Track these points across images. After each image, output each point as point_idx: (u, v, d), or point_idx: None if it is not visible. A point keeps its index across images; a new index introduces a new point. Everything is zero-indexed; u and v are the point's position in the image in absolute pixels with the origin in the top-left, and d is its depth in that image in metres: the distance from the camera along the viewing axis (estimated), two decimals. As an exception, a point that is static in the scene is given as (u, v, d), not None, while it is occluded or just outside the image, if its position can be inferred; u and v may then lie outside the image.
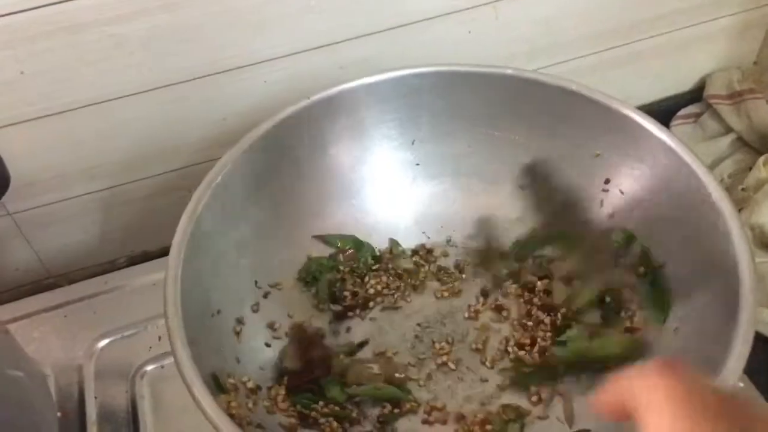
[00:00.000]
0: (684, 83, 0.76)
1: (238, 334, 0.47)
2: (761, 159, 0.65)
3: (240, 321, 0.48)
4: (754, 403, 0.25)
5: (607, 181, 0.52)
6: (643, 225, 0.50)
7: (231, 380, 0.43)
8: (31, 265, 0.64)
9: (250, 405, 0.43)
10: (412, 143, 0.55)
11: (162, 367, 0.54)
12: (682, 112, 0.75)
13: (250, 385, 0.45)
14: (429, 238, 0.57)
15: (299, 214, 0.53)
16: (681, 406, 0.24)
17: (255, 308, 0.50)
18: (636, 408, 0.25)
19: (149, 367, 0.54)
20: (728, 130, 0.71)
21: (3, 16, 0.47)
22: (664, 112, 0.75)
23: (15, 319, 0.56)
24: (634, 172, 0.49)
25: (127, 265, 0.65)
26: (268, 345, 0.49)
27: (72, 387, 0.53)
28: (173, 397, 0.52)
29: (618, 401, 0.26)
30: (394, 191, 0.56)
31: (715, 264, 0.42)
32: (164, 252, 0.64)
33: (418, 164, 0.56)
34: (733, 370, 0.36)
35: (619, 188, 0.50)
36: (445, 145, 0.55)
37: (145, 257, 0.65)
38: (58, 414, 0.50)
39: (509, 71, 0.51)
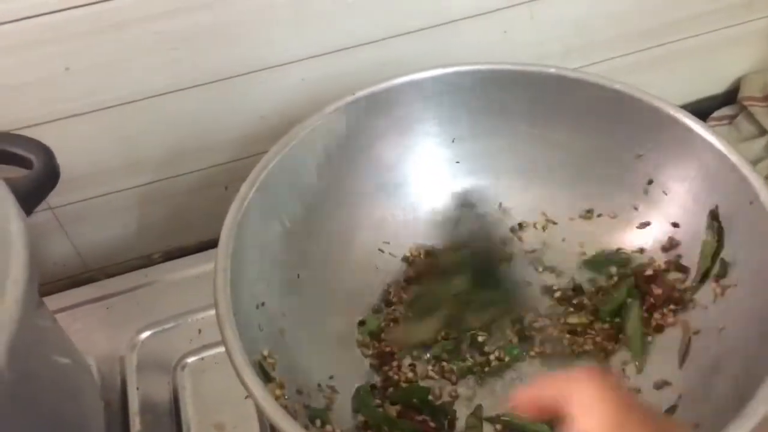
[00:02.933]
0: (718, 85, 0.76)
1: (282, 332, 0.48)
2: (797, 161, 0.65)
3: (284, 314, 0.49)
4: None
5: (650, 182, 0.52)
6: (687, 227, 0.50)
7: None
8: (69, 259, 0.64)
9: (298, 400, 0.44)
10: (453, 141, 0.56)
11: (202, 359, 0.54)
12: (717, 113, 0.74)
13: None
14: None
15: (340, 210, 0.53)
16: (609, 405, 0.26)
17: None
18: (565, 406, 0.27)
19: (190, 359, 0.54)
20: (763, 131, 0.71)
21: (48, 14, 0.48)
22: (697, 113, 0.74)
23: (58, 311, 0.57)
24: (679, 173, 0.49)
25: (163, 260, 0.66)
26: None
27: (114, 378, 0.54)
28: (214, 388, 0.52)
29: (545, 399, 0.28)
30: (434, 188, 0.56)
31: (763, 262, 0.42)
32: (200, 247, 0.66)
33: (458, 162, 0.56)
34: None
35: (662, 189, 0.51)
36: (485, 143, 0.55)
37: (182, 252, 0.66)
38: (103, 403, 0.51)
39: (552, 70, 0.51)
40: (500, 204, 0.57)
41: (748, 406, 0.35)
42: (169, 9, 0.51)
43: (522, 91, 0.53)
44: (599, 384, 0.27)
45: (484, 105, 0.54)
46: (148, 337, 0.56)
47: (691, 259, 0.49)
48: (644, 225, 0.53)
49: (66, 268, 0.65)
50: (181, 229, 0.66)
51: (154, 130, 0.58)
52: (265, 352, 0.43)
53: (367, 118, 0.53)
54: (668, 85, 0.72)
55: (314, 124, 0.50)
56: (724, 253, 0.47)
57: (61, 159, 0.55)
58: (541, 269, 0.55)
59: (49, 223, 0.60)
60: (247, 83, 0.57)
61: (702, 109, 0.74)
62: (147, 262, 0.66)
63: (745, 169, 0.44)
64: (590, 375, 0.28)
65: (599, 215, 0.54)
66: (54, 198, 0.59)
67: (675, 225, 0.51)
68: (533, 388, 0.29)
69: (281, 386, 0.42)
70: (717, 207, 0.47)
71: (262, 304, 0.46)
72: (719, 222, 0.47)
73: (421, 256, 0.55)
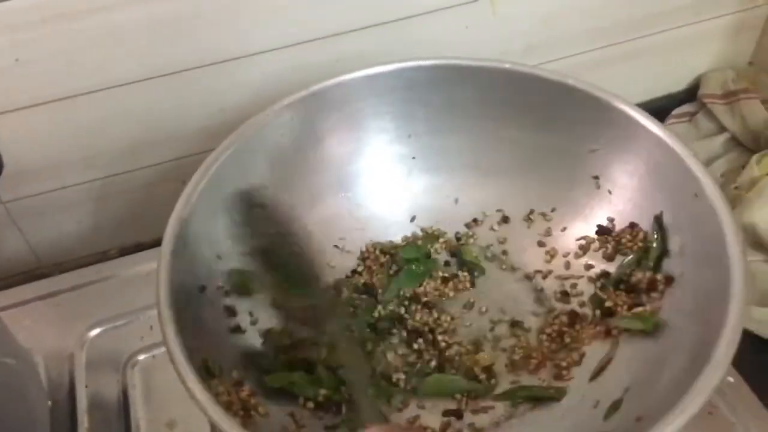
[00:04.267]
0: (678, 82, 0.77)
1: (233, 330, 0.47)
2: (754, 158, 0.65)
3: (232, 311, 0.48)
4: None
5: (600, 177, 0.52)
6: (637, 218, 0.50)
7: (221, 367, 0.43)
8: (22, 255, 0.63)
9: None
10: (408, 137, 0.55)
11: (153, 357, 0.53)
12: (677, 111, 0.75)
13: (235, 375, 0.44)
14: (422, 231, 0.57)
15: (293, 206, 0.53)
16: None
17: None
18: None
19: (141, 357, 0.54)
20: (722, 129, 0.71)
21: (-2, 2, 0.47)
22: (658, 110, 0.74)
23: (5, 308, 0.56)
24: (628, 168, 0.49)
25: (119, 257, 0.65)
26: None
27: (63, 376, 0.53)
28: (165, 386, 0.51)
29: None
30: (389, 184, 0.56)
31: (707, 256, 0.42)
32: (157, 244, 0.64)
33: (414, 158, 0.56)
34: (722, 359, 0.37)
35: (608, 189, 0.51)
36: (441, 139, 0.55)
37: (138, 248, 0.65)
38: (49, 402, 0.50)
39: (507, 65, 0.51)
40: (456, 200, 0.57)
41: (686, 397, 0.35)
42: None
43: (478, 86, 0.53)
44: None
45: (441, 101, 0.54)
46: (98, 334, 0.55)
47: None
48: (595, 221, 0.53)
49: (19, 264, 0.64)
50: (137, 224, 0.65)
51: (109, 123, 0.57)
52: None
53: (320, 114, 0.52)
54: (629, 82, 0.73)
55: (266, 119, 0.50)
56: (670, 245, 0.47)
57: (10, 151, 0.54)
58: (502, 266, 0.55)
59: (1, 218, 0.59)
60: (205, 77, 0.56)
61: (663, 107, 0.75)
62: (103, 258, 0.65)
63: (691, 163, 0.44)
64: None
65: (553, 209, 0.55)
66: (6, 192, 0.58)
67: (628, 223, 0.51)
68: None
69: (225, 383, 0.41)
70: (662, 212, 0.48)
71: (211, 302, 0.46)
72: (663, 227, 0.48)
73: (377, 252, 0.55)
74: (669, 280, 0.47)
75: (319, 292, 0.48)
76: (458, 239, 0.56)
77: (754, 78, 0.73)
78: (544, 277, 0.53)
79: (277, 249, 0.46)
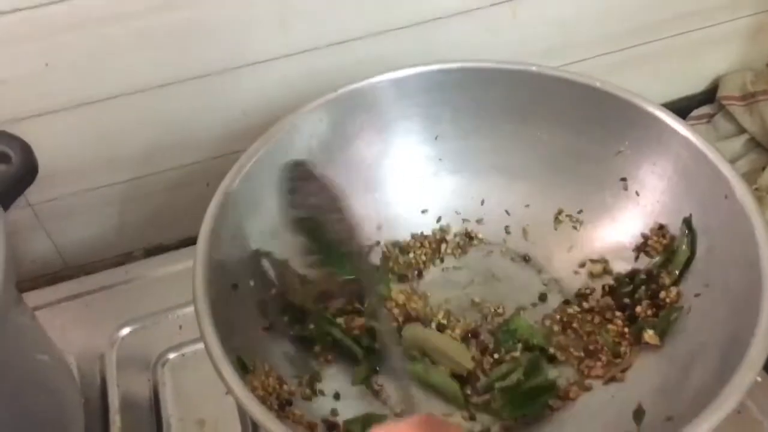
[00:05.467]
0: (697, 84, 0.77)
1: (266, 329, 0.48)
2: (774, 159, 0.66)
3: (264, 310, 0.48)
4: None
5: (628, 179, 0.52)
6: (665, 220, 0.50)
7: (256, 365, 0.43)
8: (48, 257, 0.64)
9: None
10: (435, 138, 0.56)
11: (183, 355, 0.54)
12: (695, 113, 0.75)
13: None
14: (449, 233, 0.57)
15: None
16: None
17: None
18: None
19: (171, 356, 0.54)
20: (741, 131, 0.72)
21: (27, 9, 0.48)
22: (677, 112, 0.74)
23: (37, 308, 0.56)
24: (656, 170, 0.50)
25: (143, 258, 0.65)
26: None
27: (94, 375, 0.53)
28: (195, 384, 0.52)
29: None
30: (416, 185, 0.57)
31: (737, 258, 0.43)
32: (181, 245, 0.66)
33: (440, 159, 0.56)
34: (756, 359, 0.37)
35: (635, 190, 0.51)
36: (467, 140, 0.56)
37: (162, 250, 0.66)
38: (82, 400, 0.50)
39: (534, 68, 0.52)
40: (482, 201, 0.57)
41: (719, 397, 0.36)
42: (152, 5, 0.51)
43: (504, 88, 0.53)
44: None
45: (467, 103, 0.54)
46: (128, 334, 0.55)
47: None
48: (623, 223, 0.53)
49: (46, 265, 0.64)
50: (161, 226, 0.65)
51: (134, 127, 0.58)
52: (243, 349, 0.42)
53: (349, 115, 0.53)
54: (648, 84, 0.73)
55: (296, 121, 0.50)
56: (698, 247, 0.47)
57: (40, 155, 0.54)
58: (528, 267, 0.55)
59: (29, 221, 0.60)
60: (230, 80, 0.57)
61: (681, 108, 0.75)
62: (127, 259, 0.65)
63: (720, 164, 0.44)
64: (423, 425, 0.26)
65: (580, 211, 0.55)
66: (33, 195, 0.58)
67: (656, 224, 0.52)
68: None
69: (259, 378, 0.42)
70: (691, 215, 0.48)
71: (243, 300, 0.46)
72: (692, 230, 0.48)
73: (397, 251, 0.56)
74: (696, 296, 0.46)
75: (359, 268, 0.47)
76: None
77: (772, 80, 0.73)
78: (571, 278, 0.53)
79: (320, 221, 0.46)
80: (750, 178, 0.68)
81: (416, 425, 0.26)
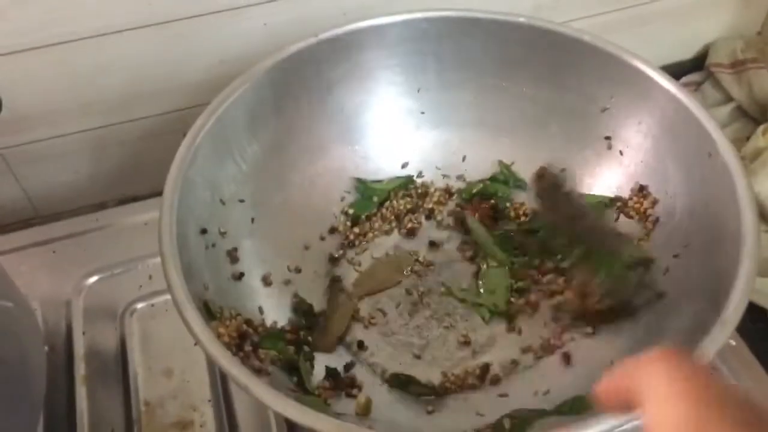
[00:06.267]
0: (687, 51, 0.76)
1: (235, 277, 0.47)
2: (760, 128, 0.65)
3: (234, 256, 0.47)
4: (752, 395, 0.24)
5: (607, 138, 0.51)
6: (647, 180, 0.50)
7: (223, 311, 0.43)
8: (18, 204, 0.62)
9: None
10: (418, 91, 0.55)
11: (152, 305, 0.53)
12: (684, 79, 0.74)
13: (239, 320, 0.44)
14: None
15: (299, 155, 0.52)
16: (685, 394, 0.22)
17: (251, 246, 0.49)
18: (637, 396, 0.24)
19: (139, 305, 0.53)
20: (729, 99, 0.71)
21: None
22: (666, 79, 0.75)
23: (2, 253, 0.55)
24: (641, 127, 0.49)
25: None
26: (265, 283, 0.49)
27: (60, 322, 0.52)
28: (162, 335, 0.51)
29: (619, 391, 0.25)
30: (397, 139, 0.55)
31: (718, 218, 0.42)
32: (155, 196, 0.64)
33: (423, 113, 0.55)
34: (728, 321, 0.36)
35: (619, 149, 0.50)
36: (451, 94, 0.54)
37: (135, 201, 0.64)
38: (46, 348, 0.49)
39: (522, 19, 0.50)
40: (464, 156, 0.56)
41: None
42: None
43: (490, 40, 0.52)
44: (674, 369, 0.23)
45: (452, 54, 0.53)
46: (95, 282, 0.54)
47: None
48: (604, 181, 0.52)
49: (15, 212, 0.63)
50: (135, 176, 0.63)
51: (106, 71, 0.56)
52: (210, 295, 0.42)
53: (329, 63, 0.51)
54: (638, 47, 0.71)
55: (275, 63, 0.48)
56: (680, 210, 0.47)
57: (8, 97, 0.53)
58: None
59: (-3, 165, 0.58)
60: (208, 25, 0.55)
61: (670, 74, 0.73)
62: (100, 209, 0.64)
63: (706, 121, 0.43)
64: (666, 359, 0.24)
65: (562, 170, 0.53)
66: (2, 138, 0.57)
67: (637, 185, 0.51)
68: (611, 379, 0.25)
69: (225, 325, 0.41)
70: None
71: (213, 245, 0.45)
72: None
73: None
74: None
75: None
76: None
77: (762, 48, 0.72)
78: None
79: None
80: (735, 146, 0.67)
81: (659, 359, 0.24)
